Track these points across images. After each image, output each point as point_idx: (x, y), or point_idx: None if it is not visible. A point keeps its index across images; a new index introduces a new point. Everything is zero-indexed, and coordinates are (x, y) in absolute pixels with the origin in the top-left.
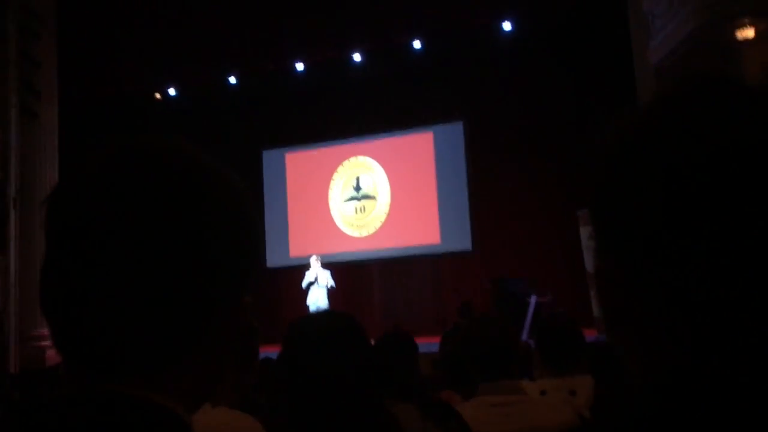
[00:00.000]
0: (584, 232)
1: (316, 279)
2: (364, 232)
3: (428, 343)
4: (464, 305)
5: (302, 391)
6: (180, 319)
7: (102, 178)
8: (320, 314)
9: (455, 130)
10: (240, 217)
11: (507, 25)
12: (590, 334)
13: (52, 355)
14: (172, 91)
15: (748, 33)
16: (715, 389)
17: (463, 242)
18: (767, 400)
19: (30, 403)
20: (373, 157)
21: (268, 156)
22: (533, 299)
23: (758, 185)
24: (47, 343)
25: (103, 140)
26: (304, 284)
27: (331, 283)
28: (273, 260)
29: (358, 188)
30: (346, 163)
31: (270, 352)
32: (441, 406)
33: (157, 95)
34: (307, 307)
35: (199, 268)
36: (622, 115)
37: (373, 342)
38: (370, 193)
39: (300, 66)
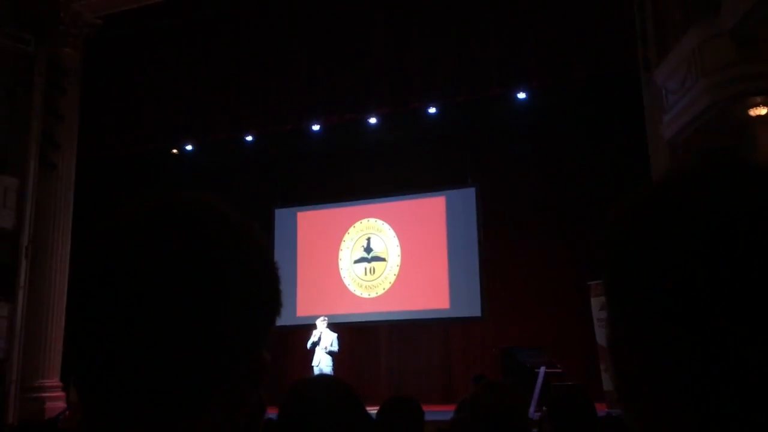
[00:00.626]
0: (595, 303)
1: (319, 340)
2: (372, 294)
3: (435, 411)
4: (478, 377)
5: None
6: (201, 370)
7: (135, 232)
8: (317, 381)
9: (468, 195)
10: (264, 273)
11: (522, 94)
12: (600, 408)
13: (51, 407)
14: (188, 147)
15: (761, 111)
16: None
17: (472, 308)
18: None
19: None
20: (385, 220)
21: (280, 214)
22: (542, 370)
23: None
24: (47, 394)
25: (123, 195)
26: (308, 345)
27: (331, 347)
28: (280, 319)
29: (368, 249)
30: (357, 224)
31: (272, 413)
32: None
33: (174, 150)
34: (312, 369)
35: (225, 323)
36: (638, 189)
37: (379, 406)
38: (381, 255)
39: (316, 127)
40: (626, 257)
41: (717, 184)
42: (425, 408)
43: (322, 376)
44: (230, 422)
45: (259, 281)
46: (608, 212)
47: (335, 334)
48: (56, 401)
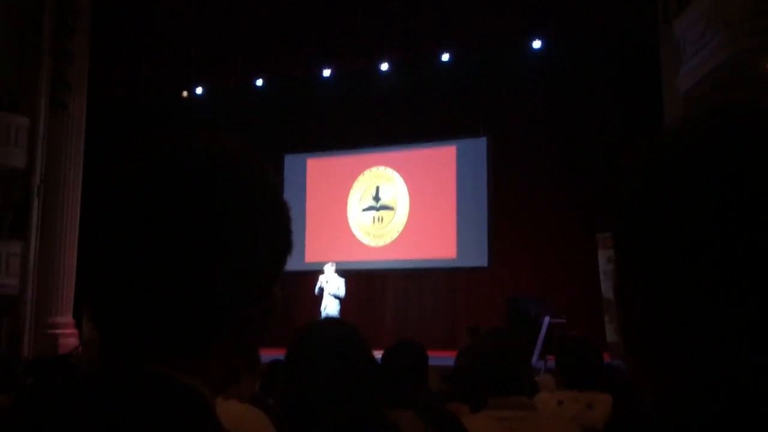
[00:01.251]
0: (602, 256)
1: (326, 285)
2: (380, 242)
3: (438, 357)
4: (472, 329)
5: (302, 396)
6: (215, 306)
7: (149, 169)
8: (323, 322)
9: (479, 145)
10: (276, 211)
11: (537, 43)
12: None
13: (65, 344)
14: (198, 90)
15: None
16: (735, 418)
17: (479, 259)
18: None
19: (62, 380)
20: (395, 168)
21: (290, 160)
22: (546, 320)
23: None
24: (61, 331)
25: (133, 135)
26: (316, 290)
27: (338, 292)
28: (288, 264)
29: (377, 198)
30: (367, 172)
31: (279, 355)
32: (444, 415)
33: (184, 93)
34: (320, 313)
35: (238, 258)
36: (650, 137)
37: (384, 350)
38: (389, 204)
39: (327, 72)
40: (638, 206)
41: (729, 132)
42: (431, 353)
43: (328, 319)
44: (241, 357)
45: (272, 219)
46: (620, 160)
47: (342, 280)
48: (69, 338)
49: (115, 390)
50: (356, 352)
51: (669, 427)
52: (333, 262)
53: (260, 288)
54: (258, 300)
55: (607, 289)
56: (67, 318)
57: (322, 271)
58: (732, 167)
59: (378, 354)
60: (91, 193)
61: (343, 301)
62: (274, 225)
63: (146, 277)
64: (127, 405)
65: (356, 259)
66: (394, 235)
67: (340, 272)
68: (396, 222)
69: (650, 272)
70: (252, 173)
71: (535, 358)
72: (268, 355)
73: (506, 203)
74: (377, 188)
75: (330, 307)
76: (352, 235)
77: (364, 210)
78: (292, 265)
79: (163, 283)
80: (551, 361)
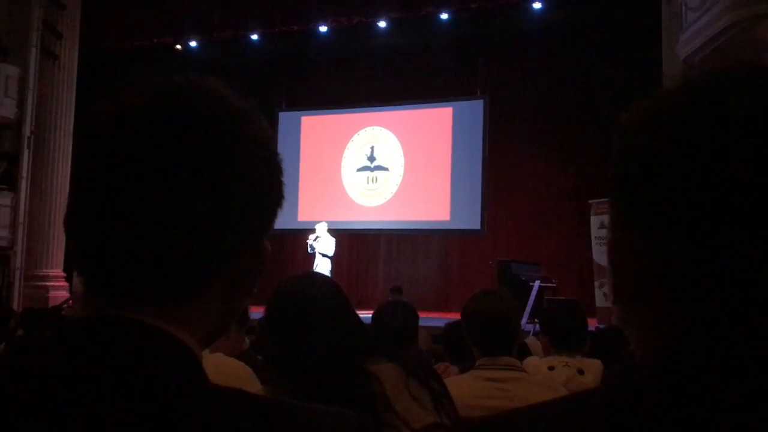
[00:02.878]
0: (594, 221)
1: (316, 243)
2: (374, 203)
3: (430, 317)
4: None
5: (283, 350)
6: (203, 254)
7: (142, 108)
8: (301, 277)
9: (476, 107)
10: (268, 160)
11: (537, 4)
12: (592, 324)
13: (55, 296)
14: (192, 44)
15: None
16: (721, 373)
17: (472, 221)
18: None
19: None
20: (390, 129)
21: (284, 118)
22: (537, 284)
23: None
24: (51, 283)
25: (125, 87)
26: (308, 248)
27: (326, 251)
28: (280, 222)
29: (372, 158)
30: (362, 132)
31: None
32: (427, 368)
33: (178, 46)
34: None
35: (227, 205)
36: (650, 94)
37: (374, 310)
38: (384, 165)
39: (324, 28)
40: (635, 161)
41: (727, 89)
42: (422, 315)
43: (310, 273)
44: (229, 310)
45: (263, 169)
46: (619, 117)
47: (333, 239)
48: (59, 290)
49: (98, 339)
50: (339, 308)
51: (658, 378)
52: (325, 221)
53: (250, 237)
54: (247, 250)
55: (598, 254)
56: (58, 270)
57: (314, 230)
58: (728, 122)
59: (369, 314)
60: (82, 128)
61: (334, 261)
62: (265, 174)
63: (131, 220)
64: (110, 354)
65: (349, 219)
66: (388, 195)
67: (332, 232)
68: (390, 183)
69: (648, 221)
70: (245, 119)
71: (524, 320)
72: (260, 312)
73: (501, 167)
74: (372, 148)
75: (321, 267)
76: (346, 195)
77: (358, 170)
78: (284, 223)
79: (148, 227)
80: (531, 326)
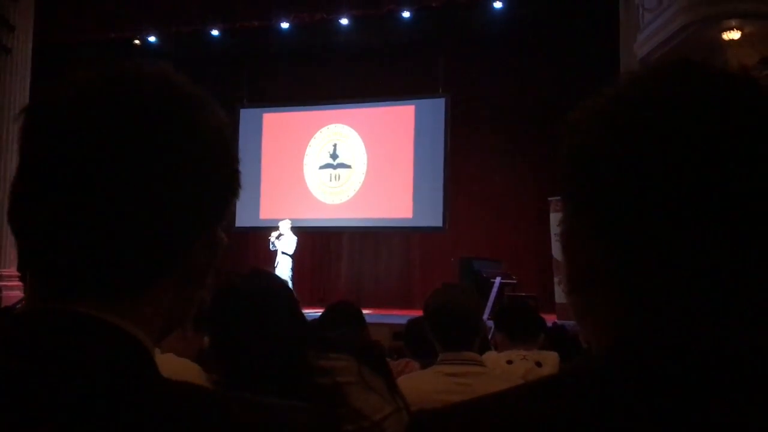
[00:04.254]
0: (554, 218)
1: (277, 240)
2: (336, 200)
3: (392, 315)
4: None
5: (228, 348)
6: (152, 244)
7: (88, 95)
8: (247, 274)
9: (437, 105)
10: (220, 147)
11: (498, 3)
12: (551, 319)
13: (8, 296)
14: (152, 38)
15: (734, 35)
16: (673, 356)
17: (434, 219)
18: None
19: None
20: (353, 126)
21: (246, 114)
22: (497, 280)
23: (725, 167)
24: (4, 283)
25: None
26: (270, 246)
27: (286, 249)
28: (242, 220)
29: (334, 156)
30: (324, 129)
31: None
32: (379, 357)
33: (137, 41)
34: (273, 270)
35: (177, 193)
36: (598, 90)
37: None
38: (347, 162)
39: (285, 24)
40: (583, 157)
41: (666, 85)
42: (383, 313)
43: (256, 270)
44: (185, 301)
45: (215, 155)
46: (567, 116)
47: (294, 237)
48: (13, 290)
49: (41, 332)
50: (284, 304)
51: (616, 363)
52: (288, 219)
53: (202, 227)
54: (200, 240)
55: (557, 250)
56: (11, 270)
57: (276, 228)
58: (674, 113)
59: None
60: (27, 114)
61: (295, 259)
62: (217, 160)
63: (76, 208)
64: (55, 348)
65: (312, 216)
66: (351, 193)
67: (295, 230)
68: (353, 180)
69: (598, 213)
70: (196, 105)
71: (485, 316)
72: None
73: (463, 164)
74: (335, 145)
75: (282, 264)
76: (309, 193)
77: (321, 167)
78: (246, 221)
79: (94, 215)
80: (490, 322)
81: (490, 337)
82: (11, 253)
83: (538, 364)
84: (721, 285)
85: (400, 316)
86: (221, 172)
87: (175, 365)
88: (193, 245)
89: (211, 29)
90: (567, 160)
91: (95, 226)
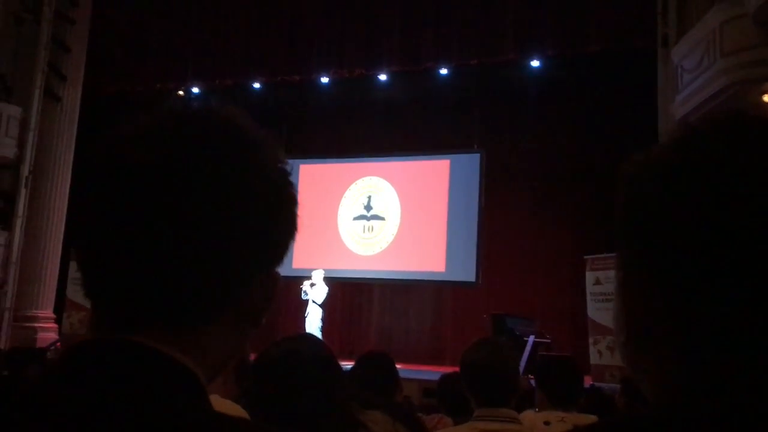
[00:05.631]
0: (590, 277)
1: (309, 290)
2: (369, 252)
3: (422, 371)
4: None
5: (272, 403)
6: (214, 281)
7: (158, 134)
8: (291, 336)
9: (472, 160)
10: (284, 192)
11: (535, 63)
12: (587, 381)
13: (43, 337)
14: (195, 90)
15: None
16: (723, 414)
17: (467, 274)
18: None
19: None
20: (388, 179)
21: None
22: (531, 339)
23: None
24: (40, 324)
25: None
26: (302, 295)
27: (316, 298)
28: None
29: (369, 207)
30: (360, 181)
31: None
32: (411, 415)
33: (181, 92)
34: (304, 319)
35: (237, 233)
36: (652, 146)
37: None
38: (380, 214)
39: (325, 79)
40: (642, 209)
41: (724, 141)
42: (413, 368)
43: (300, 334)
44: (238, 338)
45: (276, 199)
46: (622, 167)
47: (326, 288)
48: (48, 332)
49: (103, 362)
50: (326, 362)
51: (668, 420)
52: (322, 269)
53: (260, 267)
54: (258, 279)
55: (593, 310)
56: (48, 311)
57: (309, 277)
58: (734, 173)
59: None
60: (97, 152)
61: (325, 309)
62: (278, 203)
63: (145, 242)
64: (115, 378)
65: (344, 267)
66: (384, 245)
67: (327, 280)
68: (386, 232)
69: (658, 265)
70: (260, 148)
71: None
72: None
73: (497, 220)
74: (369, 197)
75: (312, 314)
76: (342, 243)
77: (354, 218)
78: (279, 270)
79: (161, 249)
80: (532, 380)
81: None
82: (48, 295)
83: (576, 427)
84: None
85: (431, 372)
86: (281, 214)
87: (221, 404)
88: (251, 284)
89: (253, 82)
90: (624, 212)
91: (160, 261)
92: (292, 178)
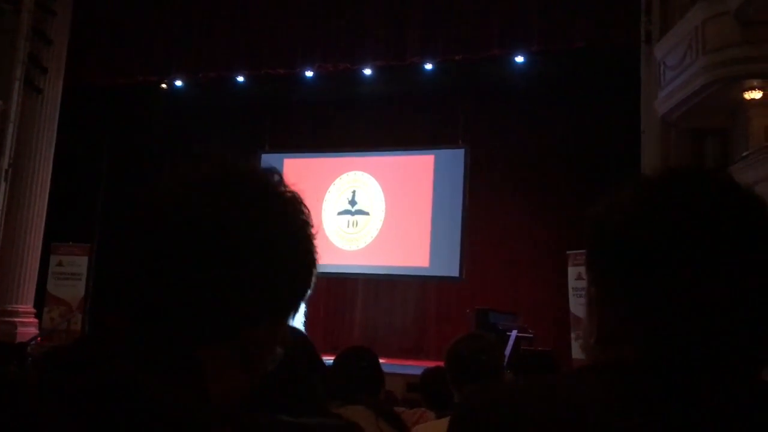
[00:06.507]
0: (572, 272)
1: None
2: (353, 247)
3: (405, 365)
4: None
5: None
6: (231, 316)
7: (200, 185)
8: None
9: (457, 156)
10: (303, 245)
11: (519, 58)
12: None
13: (23, 332)
14: (178, 83)
15: (756, 94)
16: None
17: (451, 269)
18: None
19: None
20: (372, 173)
21: (267, 160)
22: (513, 333)
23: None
24: (20, 319)
25: (109, 126)
26: None
27: None
28: None
29: (353, 202)
30: (344, 176)
31: None
32: (391, 412)
33: (164, 85)
34: None
35: (251, 278)
36: (620, 186)
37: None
38: (365, 209)
39: (309, 73)
40: (609, 243)
41: (677, 194)
42: (396, 362)
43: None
44: (245, 374)
45: (297, 265)
46: (589, 211)
47: None
48: (28, 327)
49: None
50: (305, 355)
51: (640, 368)
52: None
53: (264, 314)
54: (261, 325)
55: (575, 305)
56: (28, 306)
57: None
58: (677, 218)
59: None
60: (140, 204)
61: (309, 305)
62: (294, 260)
63: (175, 282)
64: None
65: (328, 262)
66: (368, 240)
67: None
68: (370, 227)
69: (623, 286)
70: (287, 207)
71: None
72: None
73: (481, 215)
74: (353, 192)
75: None
76: (326, 238)
77: (339, 213)
78: None
79: (189, 292)
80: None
81: None
82: (28, 290)
83: None
84: (708, 340)
85: (415, 367)
86: (296, 269)
87: None
88: (258, 325)
89: (237, 75)
90: (593, 244)
91: (187, 297)
92: (312, 235)
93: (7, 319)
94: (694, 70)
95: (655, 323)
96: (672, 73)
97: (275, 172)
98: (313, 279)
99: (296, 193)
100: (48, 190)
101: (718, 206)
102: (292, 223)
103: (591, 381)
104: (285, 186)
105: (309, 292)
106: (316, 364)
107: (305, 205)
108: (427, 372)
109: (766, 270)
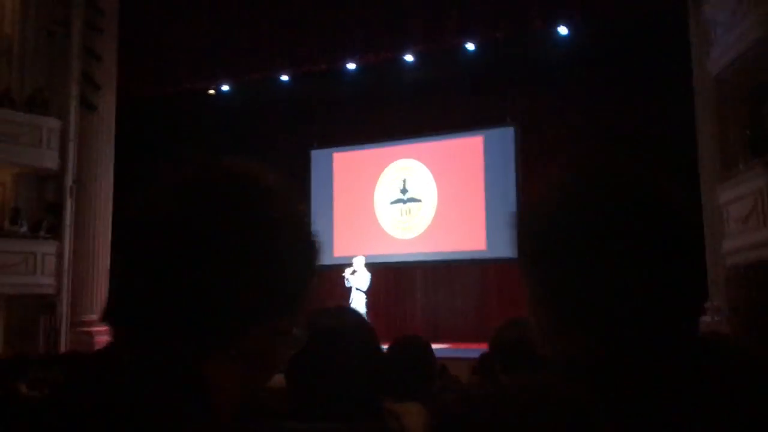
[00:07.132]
0: None
1: (351, 277)
2: (408, 235)
3: (469, 349)
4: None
5: (306, 383)
6: (218, 318)
7: (192, 188)
8: (330, 310)
9: (506, 135)
10: (304, 242)
11: (563, 30)
12: None
13: (100, 341)
14: (225, 87)
15: None
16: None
17: (509, 249)
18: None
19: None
20: (421, 160)
21: (317, 155)
22: None
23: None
24: (95, 328)
25: (162, 136)
26: (346, 283)
27: (360, 286)
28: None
29: (404, 191)
30: (393, 164)
31: None
32: (447, 410)
33: (211, 91)
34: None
35: (243, 284)
36: (552, 183)
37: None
38: (417, 196)
39: (351, 66)
40: (536, 241)
41: (600, 197)
42: (460, 347)
43: (339, 307)
44: (249, 378)
45: (291, 255)
46: (530, 202)
47: (369, 274)
48: (104, 335)
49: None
50: (366, 344)
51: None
52: (362, 255)
53: (262, 315)
54: (260, 327)
55: None
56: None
57: (350, 264)
58: (602, 216)
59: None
60: (132, 212)
61: (370, 295)
62: (290, 253)
63: (173, 290)
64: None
65: (385, 252)
66: (423, 227)
67: (369, 266)
68: (424, 214)
69: (546, 289)
70: (273, 198)
71: None
72: None
73: (535, 191)
74: (404, 180)
75: (357, 301)
76: (381, 228)
77: (391, 203)
78: (321, 259)
79: (184, 297)
80: None
81: None
82: (101, 300)
83: None
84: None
85: (478, 351)
86: (294, 267)
87: None
88: (259, 326)
89: (280, 75)
90: (525, 246)
91: (185, 303)
92: (309, 223)
93: (84, 329)
94: (746, 25)
95: (601, 313)
96: (723, 30)
97: (264, 168)
98: (314, 270)
99: (288, 187)
100: (111, 203)
101: (626, 204)
102: (284, 219)
103: (566, 382)
104: (274, 181)
105: (314, 280)
106: (373, 354)
107: (299, 199)
108: (484, 356)
109: (667, 252)
